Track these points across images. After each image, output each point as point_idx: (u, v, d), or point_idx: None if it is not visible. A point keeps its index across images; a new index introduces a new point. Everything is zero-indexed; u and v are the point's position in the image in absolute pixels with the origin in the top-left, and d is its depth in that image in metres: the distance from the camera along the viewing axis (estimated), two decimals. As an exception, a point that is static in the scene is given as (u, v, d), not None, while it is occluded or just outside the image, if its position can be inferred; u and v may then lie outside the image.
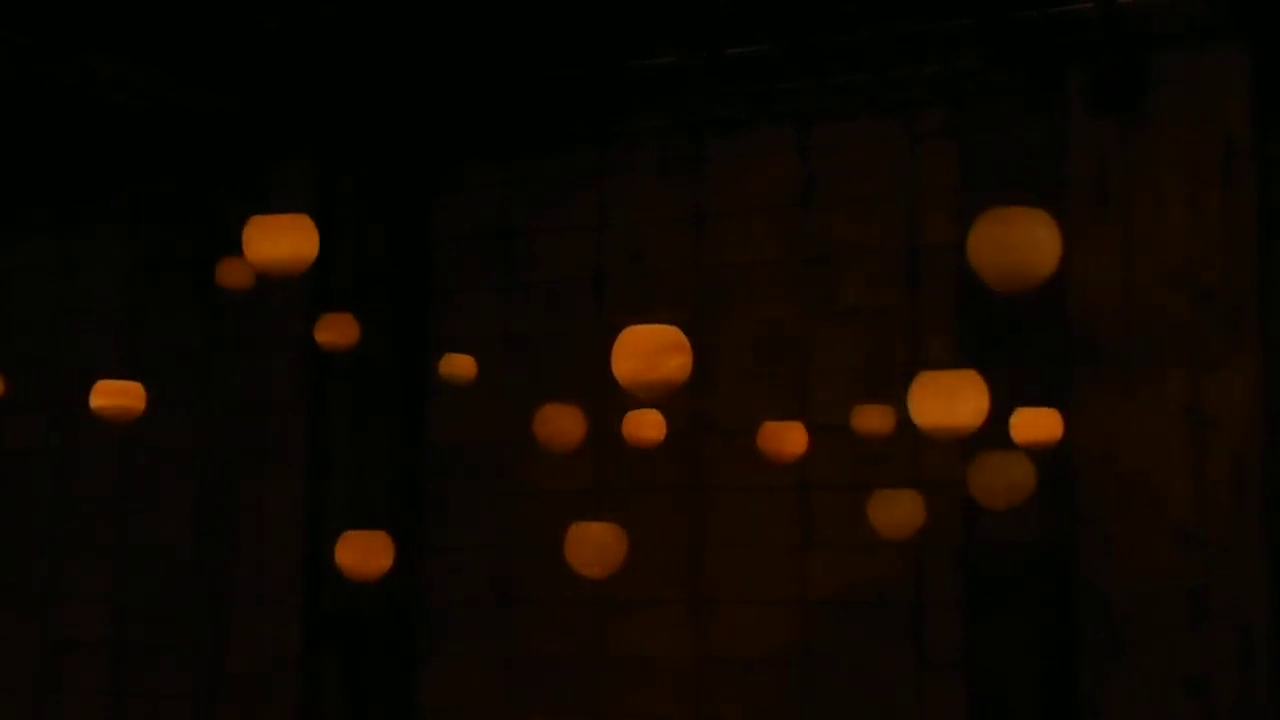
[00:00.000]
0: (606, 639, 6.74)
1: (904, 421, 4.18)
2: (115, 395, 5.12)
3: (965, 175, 6.30)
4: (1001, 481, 4.63)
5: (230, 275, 5.62)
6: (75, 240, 8.04)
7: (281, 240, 3.74)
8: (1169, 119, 5.67)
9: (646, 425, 5.45)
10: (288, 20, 6.01)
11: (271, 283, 5.41)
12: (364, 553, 4.54)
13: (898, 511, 4.87)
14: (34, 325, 8.07)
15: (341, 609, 6.85)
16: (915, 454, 6.06)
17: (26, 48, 5.99)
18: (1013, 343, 6.11)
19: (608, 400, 4.92)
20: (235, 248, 4.04)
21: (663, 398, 3.58)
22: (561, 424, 5.42)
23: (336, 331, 5.57)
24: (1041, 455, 5.04)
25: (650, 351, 3.48)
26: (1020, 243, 3.16)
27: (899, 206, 6.38)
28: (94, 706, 7.57)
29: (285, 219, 3.78)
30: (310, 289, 6.66)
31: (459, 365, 5.96)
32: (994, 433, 6.12)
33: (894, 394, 4.94)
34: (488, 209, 7.26)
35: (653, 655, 6.65)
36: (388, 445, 7.17)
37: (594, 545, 4.13)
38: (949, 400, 3.98)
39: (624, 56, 6.39)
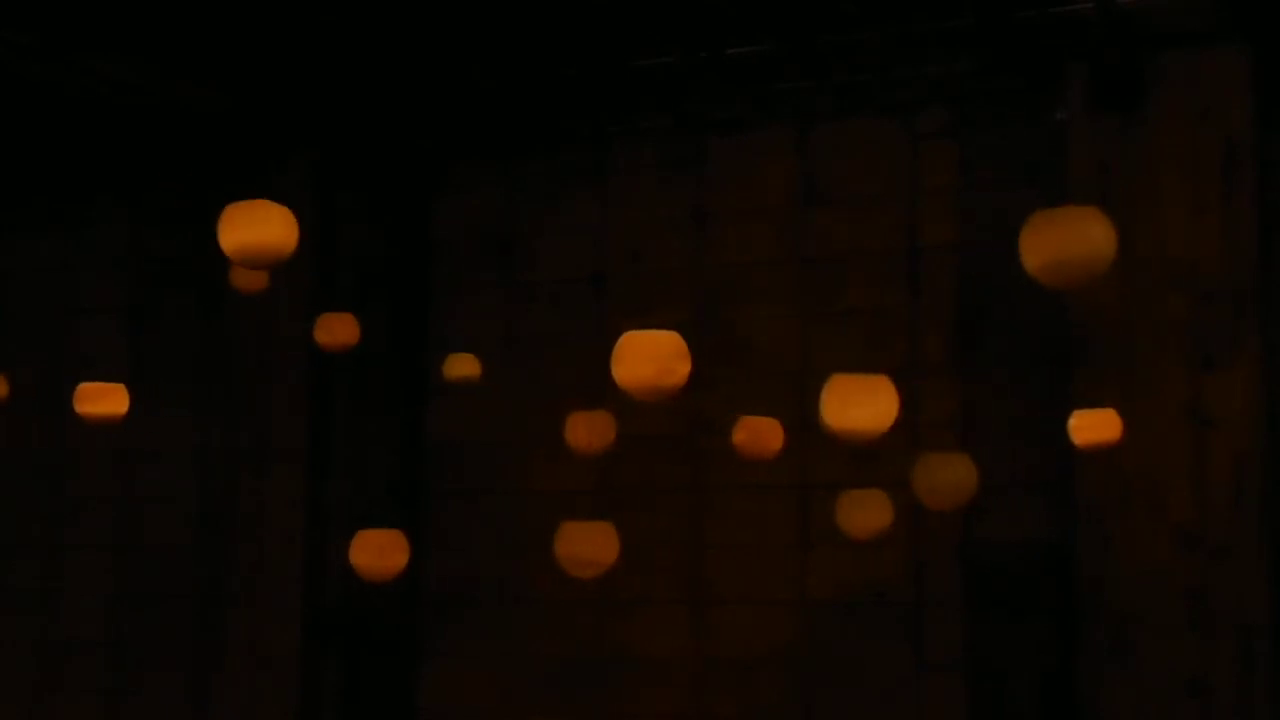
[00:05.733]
0: (606, 639, 6.74)
1: (900, 421, 4.17)
2: (98, 400, 5.10)
3: (965, 175, 6.30)
4: (945, 482, 4.61)
5: (242, 277, 5.60)
6: (75, 240, 8.03)
7: (254, 227, 3.61)
8: (1169, 119, 5.66)
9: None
10: (288, 20, 6.01)
11: (275, 284, 5.46)
12: (378, 552, 4.47)
13: (864, 513, 4.87)
14: (34, 325, 8.06)
15: (341, 608, 6.85)
16: (912, 453, 6.05)
17: (26, 48, 5.99)
18: (1013, 343, 6.11)
19: (608, 400, 4.92)
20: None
21: (664, 401, 3.64)
22: (594, 428, 5.40)
23: (336, 331, 5.56)
24: (1040, 455, 5.04)
25: (661, 358, 3.54)
26: (1075, 240, 3.20)
27: (899, 206, 6.38)
28: (93, 706, 7.56)
29: (258, 205, 3.62)
30: (310, 289, 6.66)
31: (465, 365, 5.96)
32: (985, 433, 6.13)
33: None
34: (488, 209, 7.25)
35: (653, 655, 6.65)
36: (388, 445, 7.17)
37: (584, 545, 4.09)
38: (852, 404, 3.99)
39: (624, 56, 6.38)
